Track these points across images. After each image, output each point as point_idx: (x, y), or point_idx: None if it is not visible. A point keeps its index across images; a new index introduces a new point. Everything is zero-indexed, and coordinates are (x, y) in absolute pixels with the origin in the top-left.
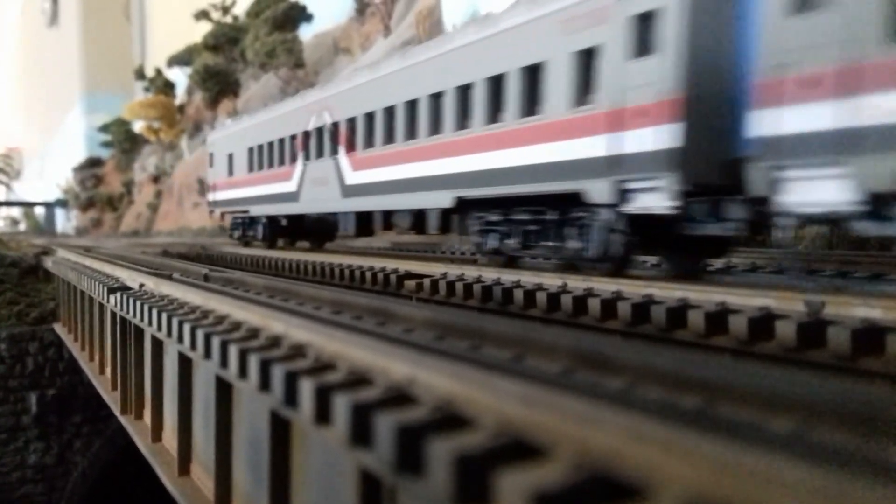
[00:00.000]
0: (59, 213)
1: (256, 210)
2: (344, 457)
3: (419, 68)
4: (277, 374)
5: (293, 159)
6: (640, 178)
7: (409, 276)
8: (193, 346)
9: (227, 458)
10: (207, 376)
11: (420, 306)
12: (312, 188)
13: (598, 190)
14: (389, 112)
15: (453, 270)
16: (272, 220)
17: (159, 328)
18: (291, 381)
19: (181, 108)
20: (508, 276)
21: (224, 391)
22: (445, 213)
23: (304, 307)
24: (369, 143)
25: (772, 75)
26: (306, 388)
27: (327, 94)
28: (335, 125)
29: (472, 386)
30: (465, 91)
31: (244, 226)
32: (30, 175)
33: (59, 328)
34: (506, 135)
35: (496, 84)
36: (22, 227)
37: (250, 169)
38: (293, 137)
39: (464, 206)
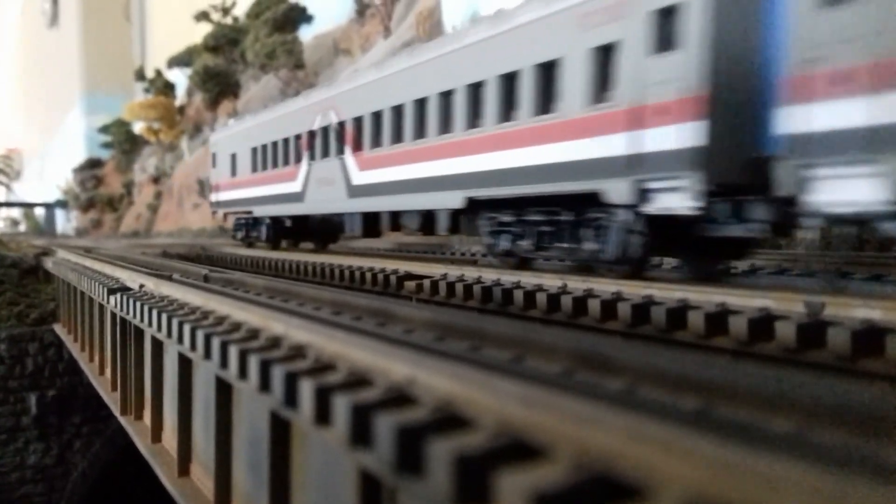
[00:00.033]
0: (59, 214)
1: (260, 211)
2: (344, 457)
3: (429, 66)
4: (277, 374)
5: (298, 159)
6: (661, 178)
7: (409, 276)
8: (193, 346)
9: (227, 459)
10: (207, 377)
11: (420, 307)
12: (318, 188)
13: (616, 190)
14: (398, 111)
15: (453, 271)
16: (276, 221)
17: (159, 329)
18: (291, 381)
19: (181, 109)
20: (508, 277)
21: (224, 392)
22: (455, 214)
23: (305, 308)
24: (377, 142)
25: (802, 70)
26: (306, 388)
27: (333, 92)
28: (341, 124)
29: (472, 386)
30: (476, 89)
31: (247, 227)
32: (30, 176)
33: (59, 329)
34: (519, 133)
35: (509, 82)
36: (22, 227)
37: (254, 169)
38: (298, 137)
39: (474, 207)
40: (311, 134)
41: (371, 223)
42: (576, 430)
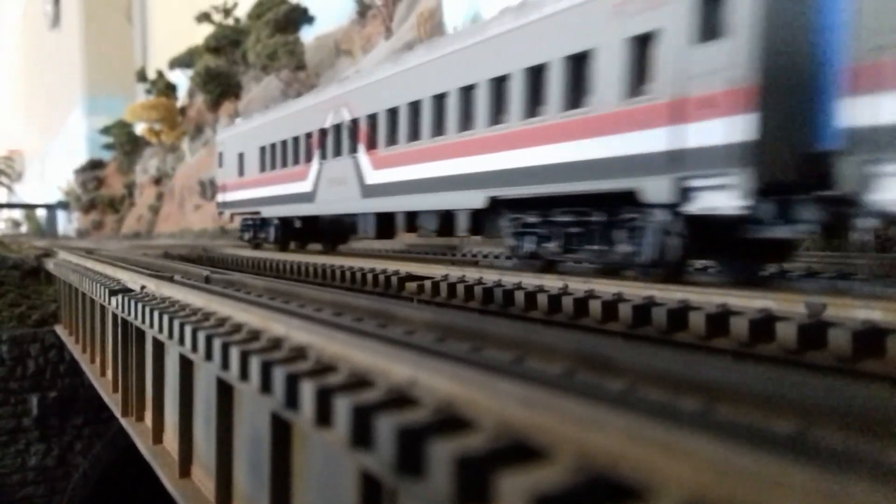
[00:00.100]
0: (61, 215)
1: (268, 211)
2: (345, 458)
3: (448, 60)
4: (278, 376)
5: (308, 158)
6: (705, 175)
7: (411, 277)
8: (195, 348)
9: (228, 460)
10: (208, 378)
11: (421, 308)
12: (329, 188)
13: (655, 188)
14: (414, 107)
15: (454, 272)
16: (285, 222)
17: (161, 330)
18: (292, 383)
19: (182, 111)
20: (509, 278)
21: (225, 393)
22: (476, 215)
23: (306, 309)
24: (392, 140)
25: (869, 59)
26: (307, 390)
27: (346, 89)
28: (354, 122)
29: (472, 388)
30: (500, 83)
31: (255, 228)
32: (31, 177)
33: (60, 330)
34: (547, 129)
35: (536, 75)
36: (23, 229)
37: (262, 169)
38: (308, 136)
39: (497, 207)
40: (323, 132)
41: (385, 224)
42: (576, 431)
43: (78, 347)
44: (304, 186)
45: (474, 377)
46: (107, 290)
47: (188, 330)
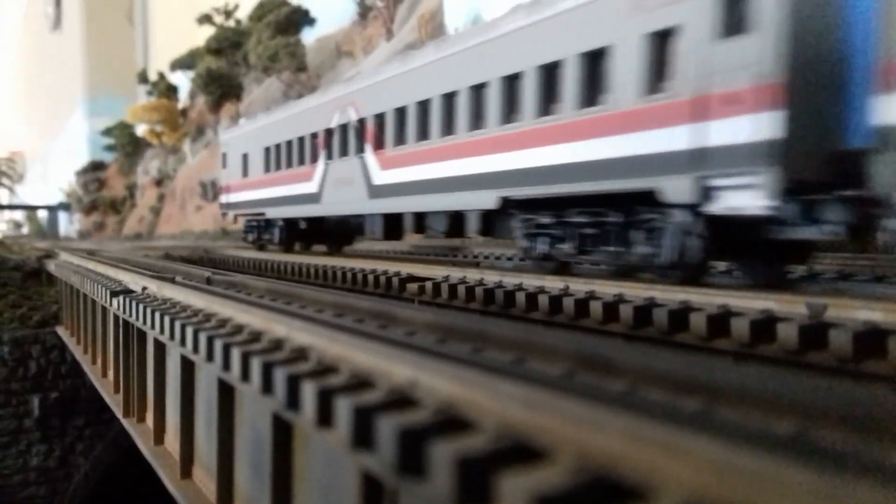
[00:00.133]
0: (62, 217)
1: (273, 212)
2: (346, 459)
3: (458, 58)
4: (280, 376)
5: (314, 159)
6: (729, 174)
7: (412, 279)
8: (196, 349)
9: (230, 461)
10: (210, 379)
11: (422, 309)
12: (335, 189)
13: (675, 188)
14: (423, 106)
15: (455, 273)
16: (289, 223)
17: (162, 331)
18: (294, 384)
19: (184, 112)
20: (510, 280)
21: (226, 394)
22: (487, 215)
23: (307, 310)
24: (400, 140)
25: None
26: (308, 390)
27: (352, 88)
28: (361, 122)
29: (473, 389)
30: (512, 81)
31: (259, 229)
32: (33, 178)
33: (61, 331)
34: (561, 128)
35: (550, 73)
36: (25, 230)
37: (267, 169)
38: (314, 136)
39: (509, 208)
40: (329, 132)
41: (393, 225)
42: (577, 431)
43: (79, 348)
44: (310, 187)
45: (475, 378)
46: (108, 292)
47: (189, 331)
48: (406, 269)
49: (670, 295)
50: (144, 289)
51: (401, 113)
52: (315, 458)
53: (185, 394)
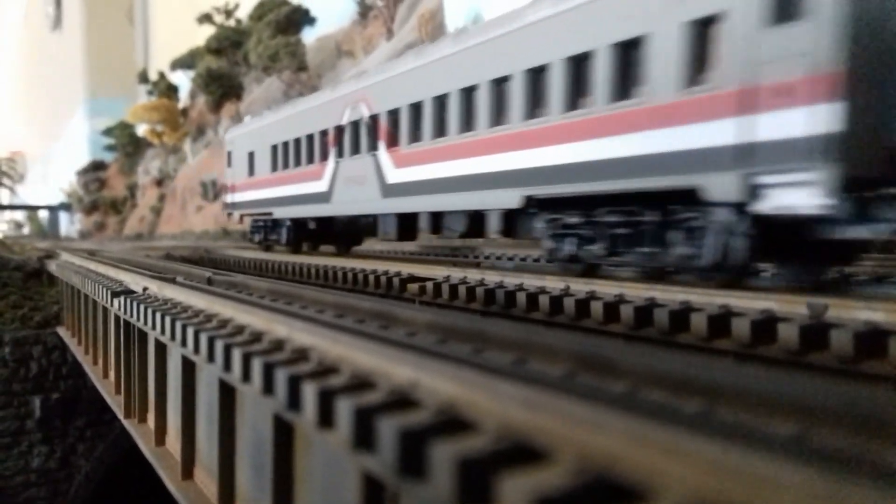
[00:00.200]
0: (63, 217)
1: (281, 212)
2: (347, 460)
3: (479, 51)
4: (281, 377)
5: (324, 157)
6: (780, 171)
7: (412, 279)
8: (197, 349)
9: (231, 462)
10: (211, 380)
11: (423, 309)
12: (347, 188)
13: (719, 185)
14: (440, 102)
15: (456, 274)
16: (297, 223)
17: (163, 332)
18: (295, 384)
19: (184, 112)
20: (511, 280)
21: (227, 395)
22: (508, 215)
23: (308, 311)
24: (415, 137)
25: None
26: (309, 391)
27: (364, 84)
28: (374, 118)
29: (474, 389)
30: (537, 74)
31: (266, 229)
32: (33, 179)
33: (62, 332)
34: (592, 123)
35: (579, 65)
36: (26, 230)
37: (274, 168)
38: (324, 133)
39: (532, 207)
40: (339, 129)
41: (407, 225)
42: (578, 432)
43: (80, 349)
44: (320, 186)
45: (476, 379)
46: (109, 292)
47: (190, 332)
48: (407, 269)
49: (671, 295)
50: (145, 289)
51: (416, 109)
52: (316, 459)
53: (186, 394)
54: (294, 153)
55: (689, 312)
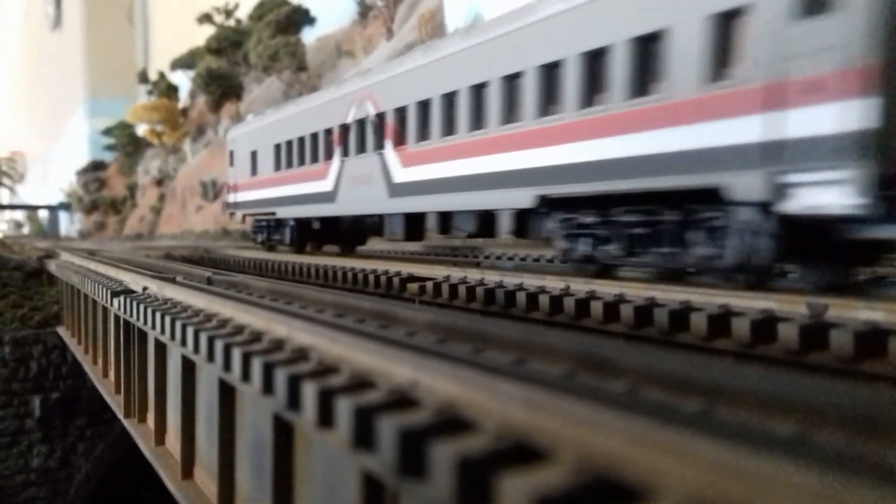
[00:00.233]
0: (63, 217)
1: (284, 212)
2: (347, 460)
3: (489, 47)
4: (280, 377)
5: (329, 156)
6: (810, 169)
7: (412, 279)
8: (197, 349)
9: (231, 462)
10: (210, 379)
11: (423, 309)
12: (352, 187)
13: (745, 184)
14: (449, 99)
15: (456, 273)
16: (301, 223)
17: (163, 331)
18: (294, 384)
19: (184, 112)
20: (511, 279)
21: (227, 394)
22: (520, 215)
23: (307, 310)
24: (423, 135)
25: None
26: (309, 391)
27: (370, 81)
28: (380, 116)
29: (474, 389)
30: (551, 71)
31: (269, 229)
32: (33, 178)
33: (62, 331)
34: (609, 120)
35: (595, 61)
36: (25, 230)
37: (277, 167)
38: (328, 132)
39: (546, 206)
40: (344, 128)
41: (415, 225)
42: (578, 432)
43: (80, 349)
44: (324, 186)
45: (476, 378)
46: (109, 292)
47: (190, 331)
48: (407, 268)
49: (671, 295)
50: (145, 289)
51: (424, 106)
52: (316, 459)
53: (185, 394)
54: (298, 152)
55: (689, 312)
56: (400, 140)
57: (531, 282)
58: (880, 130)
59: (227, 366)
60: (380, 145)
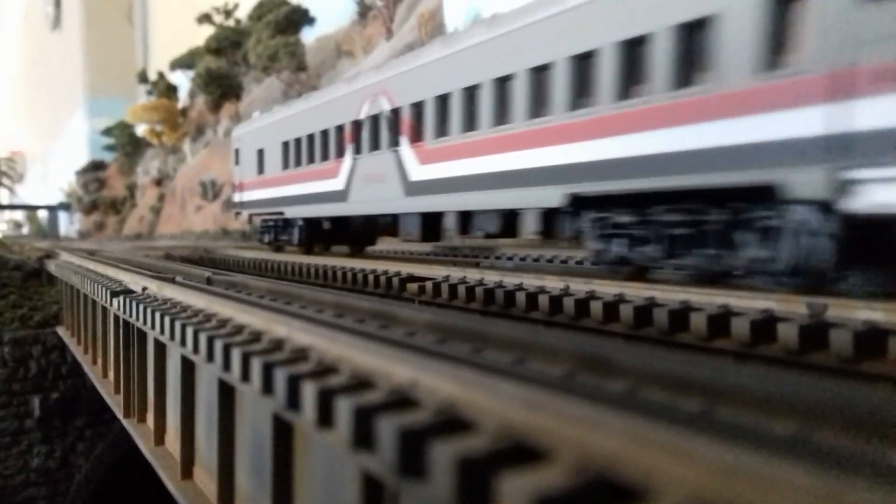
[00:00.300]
0: (63, 217)
1: (292, 212)
2: (347, 460)
3: (514, 37)
4: (280, 377)
5: (340, 153)
6: (880, 165)
7: (412, 279)
8: (196, 349)
9: (230, 462)
10: (210, 380)
11: (422, 309)
12: (365, 186)
13: (803, 181)
14: (470, 93)
15: (455, 273)
16: (310, 223)
17: (162, 331)
18: (294, 384)
19: (184, 112)
20: (511, 279)
21: (227, 394)
22: (547, 214)
23: (307, 310)
24: (442, 131)
25: None
26: (309, 391)
27: (384, 76)
28: (395, 112)
29: (474, 389)
30: (583, 61)
31: (276, 229)
32: (33, 178)
33: (62, 332)
34: (649, 113)
35: (633, 50)
36: (25, 230)
37: (285, 166)
38: (340, 129)
39: (576, 205)
40: (357, 124)
41: (432, 225)
42: (578, 432)
43: (80, 349)
44: (336, 184)
45: (475, 378)
46: (108, 292)
47: (190, 331)
48: (406, 268)
49: (670, 295)
50: (145, 289)
51: (443, 101)
52: (316, 459)
53: (185, 394)
54: (307, 150)
55: (689, 312)
56: (417, 136)
57: (531, 282)
58: None
59: (226, 366)
60: (395, 142)
